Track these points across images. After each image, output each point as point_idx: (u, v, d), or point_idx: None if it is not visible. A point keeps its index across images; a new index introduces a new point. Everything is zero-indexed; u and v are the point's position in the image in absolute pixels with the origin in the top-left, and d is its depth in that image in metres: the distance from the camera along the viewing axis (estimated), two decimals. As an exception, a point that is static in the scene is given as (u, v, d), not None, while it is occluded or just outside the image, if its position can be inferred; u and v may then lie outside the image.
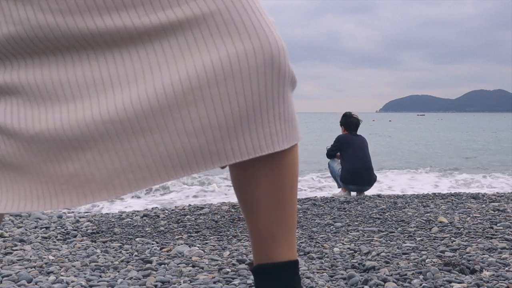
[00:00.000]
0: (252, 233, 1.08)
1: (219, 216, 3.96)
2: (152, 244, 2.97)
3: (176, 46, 0.91)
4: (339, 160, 6.26)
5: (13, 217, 3.98)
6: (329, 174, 6.64)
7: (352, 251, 2.67)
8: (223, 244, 2.94)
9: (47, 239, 3.16)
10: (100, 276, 2.20)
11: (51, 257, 2.58)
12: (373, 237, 3.07)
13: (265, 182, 1.02)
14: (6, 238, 3.10)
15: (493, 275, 2.12)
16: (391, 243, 2.88)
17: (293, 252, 1.07)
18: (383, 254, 2.57)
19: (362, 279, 2.07)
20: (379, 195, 5.47)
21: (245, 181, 1.04)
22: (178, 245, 2.88)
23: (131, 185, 0.92)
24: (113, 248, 2.89)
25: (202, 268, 2.34)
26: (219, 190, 8.01)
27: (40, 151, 0.92)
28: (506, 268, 2.24)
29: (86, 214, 4.77)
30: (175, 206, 4.91)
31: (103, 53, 0.91)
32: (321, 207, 4.42)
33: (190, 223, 3.69)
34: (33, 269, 2.33)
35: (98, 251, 2.78)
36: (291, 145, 0.99)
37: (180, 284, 2.05)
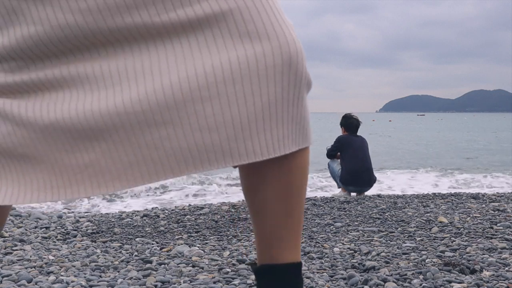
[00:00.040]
0: (258, 234, 1.08)
1: (219, 216, 3.96)
2: (152, 244, 2.97)
3: (195, 42, 0.91)
4: (339, 161, 6.26)
5: (13, 217, 3.99)
6: (329, 174, 6.64)
7: (352, 251, 2.67)
8: (223, 244, 2.94)
9: (47, 239, 3.16)
10: (100, 276, 2.19)
11: (51, 257, 2.58)
12: (373, 237, 3.07)
13: (274, 184, 1.02)
14: (6, 238, 3.10)
15: (493, 275, 2.12)
16: (391, 243, 2.88)
17: (297, 254, 1.07)
18: (383, 254, 2.57)
19: (362, 279, 2.07)
20: (379, 195, 5.47)
21: (254, 182, 1.04)
22: (178, 245, 2.88)
23: (143, 177, 0.92)
24: (113, 248, 2.89)
25: (202, 268, 2.34)
26: (219, 190, 8.02)
27: (55, 141, 0.92)
28: (506, 268, 2.24)
29: (86, 214, 4.77)
30: (175, 206, 4.91)
31: (122, 48, 0.91)
32: (321, 207, 4.42)
33: (190, 223, 3.69)
34: (33, 269, 2.32)
35: (98, 251, 2.78)
36: (302, 148, 0.98)
37: (180, 284, 2.05)
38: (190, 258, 2.56)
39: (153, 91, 0.89)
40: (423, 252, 2.60)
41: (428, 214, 3.87)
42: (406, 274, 2.14)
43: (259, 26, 0.92)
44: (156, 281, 2.09)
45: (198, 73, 0.90)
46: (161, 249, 2.81)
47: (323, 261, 2.47)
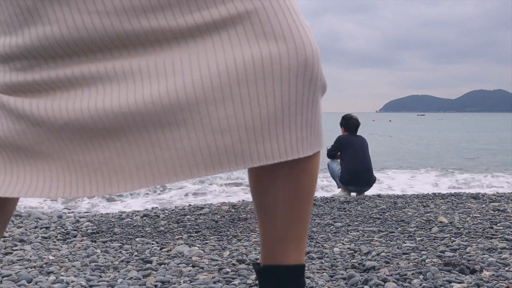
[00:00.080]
0: (263, 234, 1.08)
1: (219, 216, 3.96)
2: (152, 244, 2.97)
3: (210, 43, 0.90)
4: (339, 161, 6.26)
5: (13, 217, 3.99)
6: (329, 174, 6.64)
7: (352, 251, 2.67)
8: (223, 244, 2.94)
9: (47, 239, 3.16)
10: (100, 276, 2.19)
11: (51, 257, 2.58)
12: (373, 237, 3.07)
13: (284, 186, 1.02)
14: (6, 238, 3.10)
15: (493, 275, 2.12)
16: (391, 243, 2.88)
17: (301, 256, 1.08)
18: (383, 254, 2.57)
19: (362, 279, 2.07)
20: (379, 195, 5.47)
21: (264, 183, 1.04)
22: (178, 245, 2.88)
23: (155, 178, 0.92)
24: (113, 248, 2.89)
25: (202, 268, 2.34)
26: (219, 190, 8.02)
27: (70, 139, 0.92)
28: (506, 268, 2.24)
29: (86, 214, 4.77)
30: (175, 206, 4.91)
31: (135, 48, 0.91)
32: (321, 207, 4.42)
33: (190, 223, 3.69)
34: (33, 269, 2.32)
35: (98, 251, 2.78)
36: (314, 152, 0.98)
37: (180, 284, 2.05)
38: (190, 258, 2.56)
39: (166, 91, 0.89)
40: (423, 252, 2.60)
41: (428, 214, 3.86)
42: (406, 274, 2.14)
43: (276, 27, 0.91)
44: (156, 281, 2.09)
45: (212, 73, 0.89)
46: (161, 249, 2.81)
47: (323, 261, 2.47)
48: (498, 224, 3.34)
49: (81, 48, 0.90)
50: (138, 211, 4.55)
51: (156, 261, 2.48)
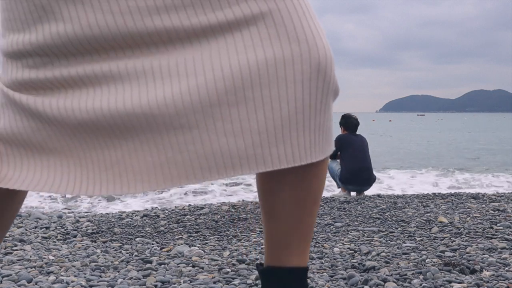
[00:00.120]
0: (268, 236, 1.08)
1: (219, 216, 3.96)
2: (152, 244, 2.97)
3: (223, 43, 0.90)
4: (338, 160, 6.26)
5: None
6: (329, 174, 6.64)
7: (352, 251, 2.67)
8: (223, 244, 2.94)
9: (47, 239, 3.16)
10: (100, 276, 2.20)
11: (51, 257, 2.58)
12: (373, 237, 3.07)
13: (292, 190, 1.01)
14: (6, 238, 3.10)
15: (493, 275, 2.12)
16: (391, 243, 2.88)
17: (305, 259, 1.08)
18: (383, 254, 2.57)
19: (362, 279, 2.07)
20: (379, 195, 5.47)
21: (273, 186, 1.03)
22: (178, 245, 2.88)
23: (166, 180, 0.91)
24: (113, 248, 2.89)
25: (202, 268, 2.34)
26: (219, 190, 8.01)
27: (82, 138, 0.92)
28: (506, 268, 2.24)
29: (86, 214, 4.77)
30: (175, 206, 4.91)
31: (148, 48, 0.90)
32: (321, 207, 4.42)
33: (190, 223, 3.69)
34: (33, 269, 2.33)
35: (98, 251, 2.78)
36: (325, 157, 0.98)
37: (180, 284, 2.05)
38: (190, 258, 2.56)
39: (179, 92, 0.88)
40: (423, 252, 2.60)
41: (428, 214, 3.86)
42: (406, 274, 2.14)
43: (290, 29, 0.90)
44: (156, 281, 2.09)
45: (226, 75, 0.88)
46: (161, 249, 2.81)
47: (323, 261, 2.47)
48: (498, 224, 3.34)
49: (93, 46, 0.90)
50: (138, 211, 4.55)
51: (156, 261, 2.48)
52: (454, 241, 2.88)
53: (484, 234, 3.06)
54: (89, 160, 0.93)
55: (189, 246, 2.84)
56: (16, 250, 2.78)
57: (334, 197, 5.34)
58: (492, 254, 2.52)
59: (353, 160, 5.99)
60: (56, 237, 3.24)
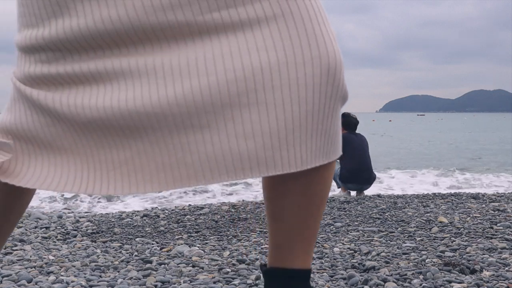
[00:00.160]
0: (272, 238, 1.08)
1: (219, 216, 3.96)
2: (152, 244, 2.97)
3: (235, 42, 0.89)
4: (338, 160, 6.26)
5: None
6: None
7: (352, 251, 2.67)
8: (223, 244, 2.94)
9: (47, 239, 3.16)
10: (100, 276, 2.20)
11: (51, 257, 2.58)
12: (373, 237, 3.07)
13: (298, 193, 1.01)
14: (6, 238, 3.10)
15: (493, 275, 2.12)
16: (391, 243, 2.88)
17: (309, 261, 1.08)
18: (383, 254, 2.57)
19: (362, 279, 2.07)
20: (379, 195, 5.47)
21: (279, 189, 1.03)
22: (178, 245, 2.88)
23: (175, 181, 0.91)
24: (113, 248, 2.89)
25: (202, 268, 2.34)
26: (219, 190, 8.02)
27: (92, 136, 0.92)
28: (506, 268, 2.24)
29: (86, 214, 4.77)
30: (175, 206, 4.91)
31: (160, 45, 0.90)
32: (321, 207, 4.42)
33: (190, 223, 3.69)
34: (33, 269, 2.33)
35: (98, 251, 2.78)
36: (331, 160, 0.98)
37: (180, 284, 2.05)
38: (190, 258, 2.56)
39: (190, 92, 0.87)
40: (423, 252, 2.60)
41: (428, 214, 3.86)
42: (406, 274, 2.14)
43: (301, 33, 0.90)
44: (156, 281, 2.09)
45: (238, 77, 0.88)
46: (161, 249, 2.81)
47: (323, 261, 2.47)
48: (498, 224, 3.34)
49: (105, 41, 0.90)
50: (138, 211, 4.55)
51: (156, 261, 2.48)
52: (454, 241, 2.88)
53: (484, 234, 3.06)
54: (96, 158, 0.93)
55: (189, 246, 2.84)
56: (16, 250, 2.78)
57: (334, 197, 5.34)
58: (492, 254, 2.52)
59: (353, 159, 5.99)
60: (56, 237, 3.24)
